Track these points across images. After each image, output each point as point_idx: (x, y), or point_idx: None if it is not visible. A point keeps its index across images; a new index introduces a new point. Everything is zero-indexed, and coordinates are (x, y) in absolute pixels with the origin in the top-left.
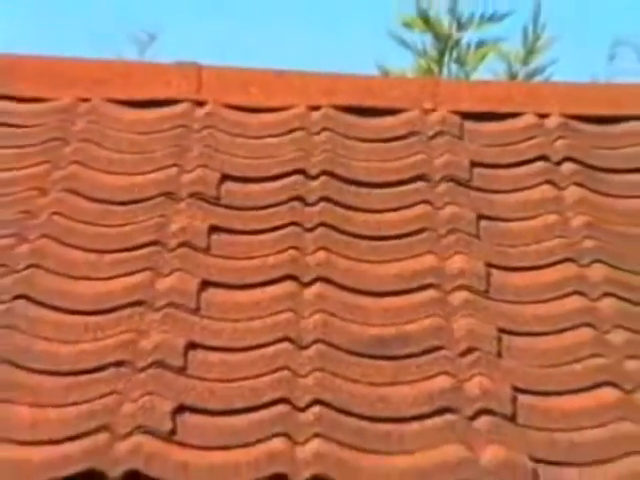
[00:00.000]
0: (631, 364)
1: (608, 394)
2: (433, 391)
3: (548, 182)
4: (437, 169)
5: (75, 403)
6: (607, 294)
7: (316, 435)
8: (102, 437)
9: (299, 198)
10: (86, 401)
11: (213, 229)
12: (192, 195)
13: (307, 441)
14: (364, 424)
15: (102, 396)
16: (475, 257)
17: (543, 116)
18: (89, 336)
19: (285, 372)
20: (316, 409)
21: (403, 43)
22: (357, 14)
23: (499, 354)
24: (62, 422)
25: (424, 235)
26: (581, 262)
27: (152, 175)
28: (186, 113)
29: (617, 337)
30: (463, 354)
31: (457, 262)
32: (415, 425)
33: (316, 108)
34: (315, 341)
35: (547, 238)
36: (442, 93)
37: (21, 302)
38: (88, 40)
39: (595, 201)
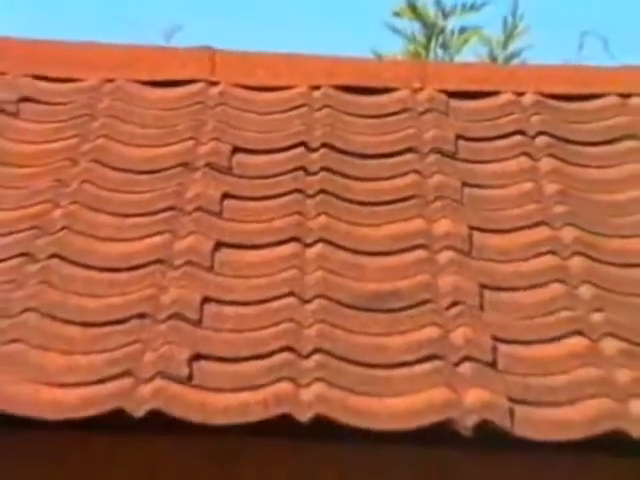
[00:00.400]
0: (596, 316)
1: (577, 343)
2: (422, 340)
3: (524, 154)
4: (426, 142)
5: (103, 351)
6: (576, 253)
7: (318, 379)
8: (127, 381)
9: (302, 168)
10: (112, 349)
11: (225, 196)
12: (206, 165)
13: (310, 385)
14: (361, 370)
15: (126, 345)
16: (459, 221)
17: (520, 94)
18: (115, 291)
19: (290, 324)
20: (317, 357)
21: (394, 30)
22: (353, 5)
23: (481, 307)
24: (91, 368)
25: (414, 201)
26: (554, 225)
27: (171, 148)
28: (201, 92)
29: (585, 292)
30: (449, 307)
31: (443, 225)
32: (406, 370)
33: (317, 87)
34: (317, 296)
35: (523, 204)
36: (430, 74)
37: (55, 261)
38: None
39: (567, 171)
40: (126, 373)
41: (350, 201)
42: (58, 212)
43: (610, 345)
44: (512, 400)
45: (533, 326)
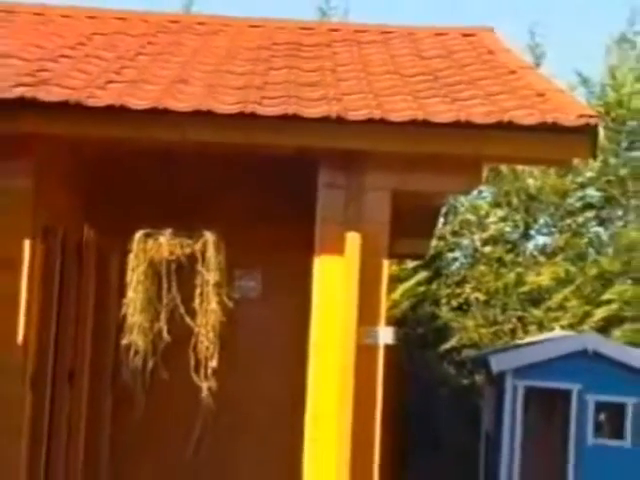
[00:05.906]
0: None
1: None
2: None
3: (354, 47)
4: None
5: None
6: None
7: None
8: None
9: (296, 51)
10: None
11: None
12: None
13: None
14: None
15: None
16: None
17: (335, 30)
18: None
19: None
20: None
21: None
22: None
23: None
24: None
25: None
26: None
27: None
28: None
29: None
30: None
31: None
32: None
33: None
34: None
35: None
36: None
37: None
38: None
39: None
40: (247, 86)
41: (302, 72)
42: None
43: None
44: None
45: None
